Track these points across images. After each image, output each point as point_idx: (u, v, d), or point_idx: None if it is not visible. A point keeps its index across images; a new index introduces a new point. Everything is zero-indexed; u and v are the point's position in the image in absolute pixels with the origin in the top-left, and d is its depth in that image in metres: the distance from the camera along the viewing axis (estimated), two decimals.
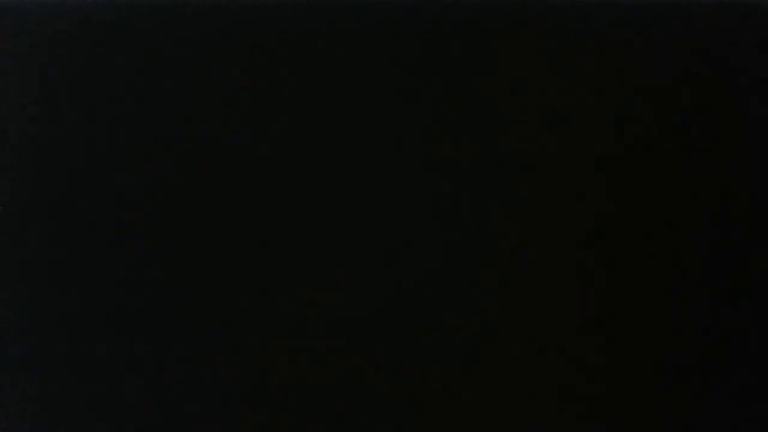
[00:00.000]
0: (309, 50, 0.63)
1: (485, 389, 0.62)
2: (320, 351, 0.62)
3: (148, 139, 0.63)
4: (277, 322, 0.62)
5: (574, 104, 0.62)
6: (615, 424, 0.62)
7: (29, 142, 0.63)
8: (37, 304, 0.63)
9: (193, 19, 0.63)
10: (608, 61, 0.62)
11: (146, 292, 0.62)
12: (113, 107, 0.63)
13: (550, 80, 0.62)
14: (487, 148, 0.62)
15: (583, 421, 0.62)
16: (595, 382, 0.62)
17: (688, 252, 0.62)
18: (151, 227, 0.62)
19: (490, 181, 0.62)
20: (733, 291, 0.62)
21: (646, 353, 0.62)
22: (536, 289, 0.62)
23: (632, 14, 0.63)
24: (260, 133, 0.63)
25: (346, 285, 0.62)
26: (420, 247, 0.62)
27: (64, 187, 0.63)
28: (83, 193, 0.63)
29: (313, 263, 0.62)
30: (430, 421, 0.62)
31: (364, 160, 0.63)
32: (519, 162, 0.62)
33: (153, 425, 0.63)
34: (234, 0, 0.63)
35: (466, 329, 0.62)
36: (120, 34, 0.63)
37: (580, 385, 0.62)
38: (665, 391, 0.62)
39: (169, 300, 0.62)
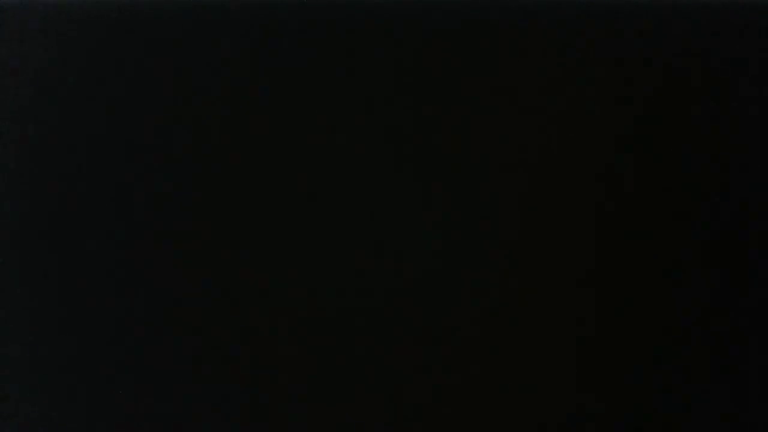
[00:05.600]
0: (309, 50, 0.63)
1: (485, 389, 0.62)
2: (320, 351, 0.62)
3: (148, 139, 0.63)
4: (277, 323, 0.62)
5: (573, 104, 0.62)
6: (614, 424, 0.62)
7: (29, 142, 0.63)
8: (37, 305, 0.63)
9: (193, 19, 0.63)
10: (608, 61, 0.62)
11: (145, 291, 0.62)
12: (113, 107, 0.63)
13: (550, 80, 0.62)
14: (487, 148, 0.62)
15: (583, 421, 0.62)
16: (594, 383, 0.62)
17: (688, 252, 0.62)
18: (151, 227, 0.62)
19: (489, 181, 0.62)
20: (733, 291, 0.62)
21: (647, 353, 0.62)
22: (536, 289, 0.62)
23: (632, 14, 0.63)
24: (260, 133, 0.63)
25: (344, 285, 0.62)
26: (420, 248, 0.62)
27: (65, 187, 0.63)
28: (84, 193, 0.63)
29: (313, 263, 0.62)
30: (429, 421, 0.62)
31: (364, 161, 0.63)
32: (518, 161, 0.62)
33: (153, 426, 0.63)
34: (234, 0, 0.63)
35: (465, 329, 0.62)
36: (120, 34, 0.63)
37: (579, 385, 0.62)
38: (665, 391, 0.62)
39: (168, 300, 0.62)
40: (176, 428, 0.62)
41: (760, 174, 0.62)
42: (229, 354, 0.62)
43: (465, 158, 0.62)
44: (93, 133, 0.63)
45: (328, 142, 0.63)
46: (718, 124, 0.62)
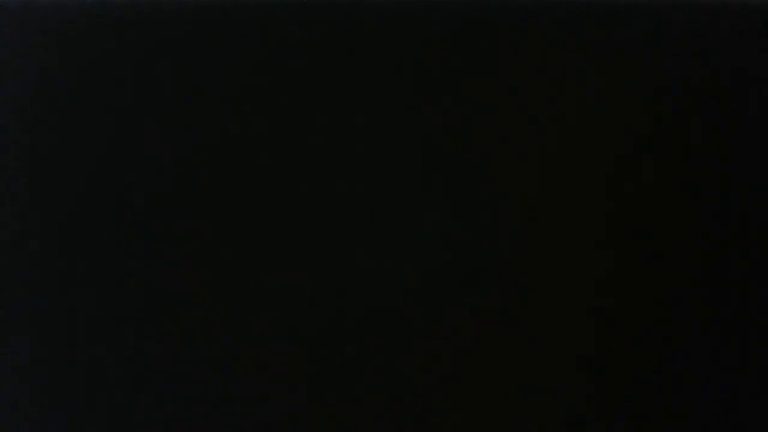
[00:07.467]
0: (309, 50, 0.63)
1: (485, 390, 0.62)
2: (320, 351, 0.62)
3: (149, 139, 0.63)
4: (278, 323, 0.62)
5: (573, 105, 0.62)
6: (615, 424, 0.62)
7: (29, 141, 0.63)
8: (37, 305, 0.63)
9: (193, 19, 0.63)
10: (608, 62, 0.62)
11: (145, 291, 0.62)
12: (114, 107, 0.63)
13: (550, 80, 0.62)
14: (487, 148, 0.62)
15: (583, 422, 0.62)
16: (595, 383, 0.62)
17: (688, 252, 0.62)
18: (152, 227, 0.62)
19: (490, 181, 0.62)
20: (733, 291, 0.62)
21: (647, 354, 0.62)
22: (537, 290, 0.62)
23: (632, 14, 0.63)
24: (260, 133, 0.63)
25: (345, 285, 0.62)
26: (420, 248, 0.62)
27: (65, 187, 0.63)
28: (84, 193, 0.63)
29: (313, 263, 0.62)
30: (430, 422, 0.62)
31: (364, 161, 0.63)
32: (519, 162, 0.62)
33: (153, 426, 0.63)
34: (234, 0, 0.63)
35: (466, 330, 0.62)
36: (120, 34, 0.63)
37: (579, 385, 0.62)
38: (666, 391, 0.62)
39: (169, 301, 0.62)
40: (176, 428, 0.62)
41: (761, 174, 0.62)
42: (229, 354, 0.62)
43: (465, 158, 0.62)
44: (93, 133, 0.63)
45: (328, 142, 0.63)
46: (718, 124, 0.62)
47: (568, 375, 0.62)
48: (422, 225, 0.62)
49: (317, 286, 0.62)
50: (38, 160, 0.63)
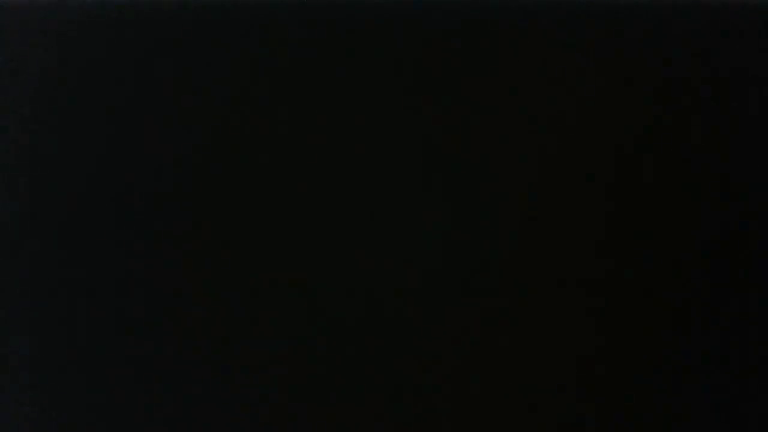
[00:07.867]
0: (309, 50, 0.63)
1: (485, 390, 0.62)
2: (321, 351, 0.62)
3: (148, 138, 0.63)
4: (278, 323, 0.62)
5: (573, 104, 0.62)
6: (615, 424, 0.62)
7: (29, 141, 0.63)
8: (37, 305, 0.63)
9: (193, 19, 0.63)
10: (608, 61, 0.62)
11: (145, 291, 0.62)
12: (113, 107, 0.63)
13: (550, 80, 0.62)
14: (487, 148, 0.62)
15: (583, 422, 0.62)
16: (595, 383, 0.62)
17: (688, 252, 0.62)
18: (151, 227, 0.62)
19: (490, 181, 0.62)
20: (733, 291, 0.62)
21: (647, 354, 0.62)
22: (536, 290, 0.62)
23: (632, 14, 0.63)
24: (260, 133, 0.63)
25: (344, 285, 0.62)
26: (420, 248, 0.62)
27: (65, 187, 0.63)
28: (84, 194, 0.63)
29: (313, 264, 0.62)
30: (430, 421, 0.62)
31: (364, 161, 0.63)
32: (518, 162, 0.62)
33: (153, 426, 0.63)
34: (234, 0, 0.63)
35: (466, 330, 0.62)
36: (120, 34, 0.63)
37: (579, 385, 0.62)
38: (666, 391, 0.62)
39: (168, 301, 0.62)
40: (176, 428, 0.62)
41: (761, 174, 0.62)
42: (230, 354, 0.62)
43: (465, 158, 0.62)
44: (93, 133, 0.63)
45: (328, 142, 0.63)
46: (718, 124, 0.62)
47: (568, 375, 0.62)
48: (422, 225, 0.62)
49: (317, 286, 0.62)
50: (38, 160, 0.63)
